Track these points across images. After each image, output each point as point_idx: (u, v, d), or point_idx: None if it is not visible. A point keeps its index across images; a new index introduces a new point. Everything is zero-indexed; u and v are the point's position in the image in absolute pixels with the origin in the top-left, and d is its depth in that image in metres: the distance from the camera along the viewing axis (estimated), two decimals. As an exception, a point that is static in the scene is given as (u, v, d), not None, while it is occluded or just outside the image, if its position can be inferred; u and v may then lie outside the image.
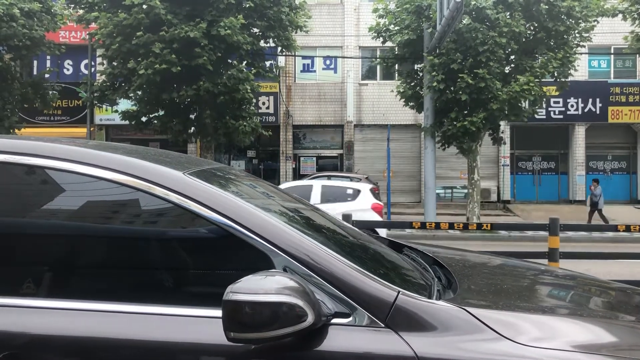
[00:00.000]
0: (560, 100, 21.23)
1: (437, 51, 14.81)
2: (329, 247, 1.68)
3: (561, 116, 21.48)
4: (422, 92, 15.97)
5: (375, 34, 16.47)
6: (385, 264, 2.08)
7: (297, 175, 21.90)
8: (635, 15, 16.16)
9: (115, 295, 1.61)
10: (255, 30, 15.33)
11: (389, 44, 16.77)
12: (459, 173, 21.41)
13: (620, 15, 16.18)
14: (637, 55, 18.19)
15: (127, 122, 15.58)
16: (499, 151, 21.62)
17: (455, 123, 14.87)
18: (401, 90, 16.44)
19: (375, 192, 18.55)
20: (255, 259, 1.60)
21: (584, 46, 16.29)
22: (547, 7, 14.63)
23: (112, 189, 1.69)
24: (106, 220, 1.76)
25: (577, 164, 21.67)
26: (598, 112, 21.40)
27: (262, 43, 15.74)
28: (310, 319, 1.41)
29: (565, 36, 15.44)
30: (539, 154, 22.37)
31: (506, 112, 15.02)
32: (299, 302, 1.40)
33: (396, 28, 16.06)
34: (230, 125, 14.76)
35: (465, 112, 14.96)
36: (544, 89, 17.31)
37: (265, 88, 21.37)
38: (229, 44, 13.57)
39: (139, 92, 14.26)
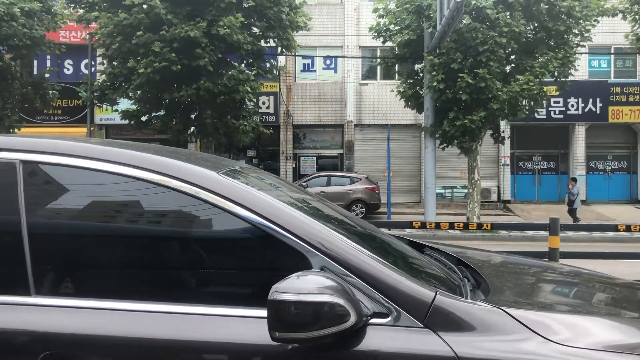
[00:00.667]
0: (561, 100, 21.22)
1: (438, 51, 14.79)
2: (363, 247, 1.69)
3: (561, 116, 21.47)
4: (422, 92, 15.96)
5: (376, 34, 16.46)
6: (416, 264, 2.09)
7: (297, 175, 21.90)
8: (636, 16, 16.14)
9: (156, 295, 1.62)
10: (256, 30, 15.33)
11: (389, 43, 16.75)
12: (460, 173, 21.40)
13: (620, 15, 16.15)
14: (638, 55, 18.16)
15: (127, 121, 15.57)
16: (499, 151, 21.61)
17: (455, 123, 14.85)
18: (401, 90, 16.43)
19: (375, 193, 18.62)
20: (292, 259, 1.61)
21: (584, 46, 16.26)
22: (547, 6, 14.61)
23: (148, 189, 1.71)
24: (144, 221, 1.77)
25: (578, 164, 21.66)
26: (598, 111, 21.40)
27: (262, 43, 15.72)
28: (352, 319, 1.42)
29: (565, 36, 15.42)
30: (539, 153, 22.36)
31: (506, 111, 15.01)
32: (342, 302, 1.41)
33: (396, 28, 16.05)
34: (231, 125, 14.76)
35: (465, 111, 14.94)
36: (544, 88, 17.34)
37: (266, 88, 21.35)
38: (229, 44, 13.57)
39: (139, 92, 14.26)
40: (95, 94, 15.44)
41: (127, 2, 12.59)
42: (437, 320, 1.52)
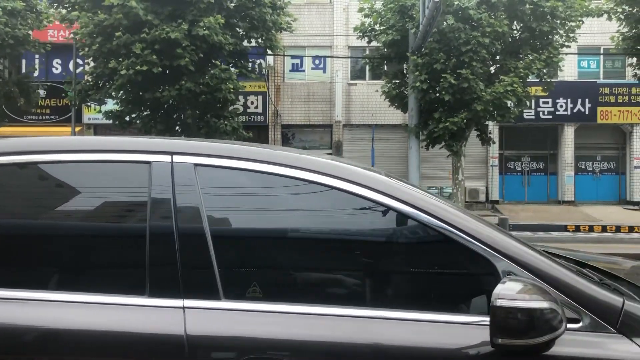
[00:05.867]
0: (550, 100, 21.20)
1: (421, 51, 14.77)
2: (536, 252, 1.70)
3: (550, 116, 21.44)
4: (406, 92, 15.94)
5: (361, 34, 16.45)
6: (576, 271, 2.10)
7: (286, 174, 21.87)
8: (621, 16, 16.11)
9: (339, 299, 1.65)
10: (239, 30, 15.31)
11: (375, 43, 16.75)
12: (448, 173, 21.36)
13: (606, 16, 16.10)
14: (626, 56, 18.12)
15: (110, 121, 15.56)
16: (487, 151, 21.58)
17: (439, 124, 14.84)
18: (385, 90, 16.42)
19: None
20: (479, 265, 1.62)
21: (569, 46, 16.24)
22: (531, 7, 14.59)
23: (334, 195, 1.71)
24: (324, 226, 1.80)
25: (566, 165, 21.64)
26: (587, 112, 21.37)
27: (246, 43, 15.70)
28: (565, 325, 1.43)
29: (550, 36, 15.41)
30: (528, 154, 22.33)
31: (492, 112, 14.97)
32: (557, 309, 1.42)
33: (381, 28, 16.04)
34: (212, 125, 14.75)
35: (450, 113, 14.91)
36: (532, 89, 17.30)
37: (254, 88, 21.36)
38: (210, 44, 13.55)
39: (121, 92, 14.24)
40: (80, 93, 15.42)
41: (106, 3, 12.57)
42: (629, 325, 1.52)
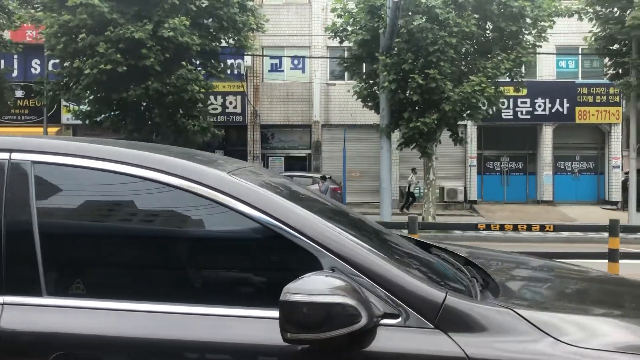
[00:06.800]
0: (528, 100, 21.24)
1: (391, 51, 14.78)
2: (373, 247, 1.69)
3: (528, 116, 21.48)
4: (378, 93, 15.96)
5: (333, 34, 16.46)
6: (424, 265, 2.08)
7: (266, 175, 21.89)
8: (592, 16, 16.13)
9: (163, 296, 1.63)
10: (211, 30, 15.31)
11: (347, 44, 16.75)
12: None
13: (578, 16, 16.12)
14: (599, 56, 18.15)
15: (81, 121, 15.59)
16: (466, 151, 21.61)
17: (409, 125, 14.85)
18: (357, 90, 16.43)
19: (337, 193, 18.63)
20: (302, 259, 1.61)
21: (540, 46, 16.25)
22: (499, 7, 14.61)
23: (158, 189, 1.71)
24: (152, 221, 1.79)
25: (545, 164, 21.67)
26: (565, 112, 21.40)
27: (217, 43, 15.71)
28: (363, 319, 1.42)
29: (520, 36, 15.43)
30: (507, 154, 22.37)
31: (462, 112, 14.97)
32: (353, 303, 1.41)
33: (352, 28, 16.04)
34: (180, 125, 14.77)
35: (420, 113, 14.91)
36: (509, 89, 17.30)
37: (232, 88, 21.39)
38: (177, 45, 13.56)
39: (89, 92, 14.26)
40: (49, 94, 15.44)
41: (69, 3, 12.58)
42: (448, 321, 1.52)
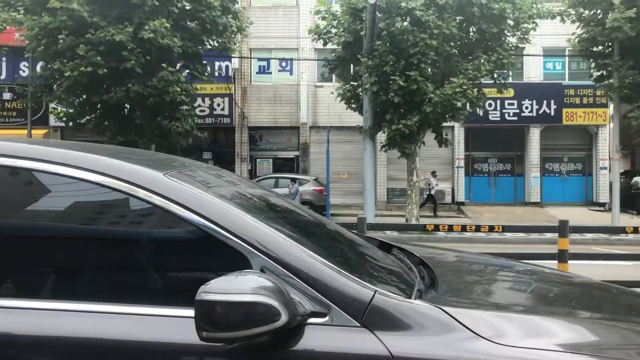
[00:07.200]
0: (515, 102, 21.28)
1: (372, 53, 14.82)
2: (309, 247, 1.69)
3: (516, 118, 21.50)
4: (360, 94, 16.01)
5: (316, 36, 16.51)
6: (366, 263, 2.09)
7: (254, 177, 21.92)
8: (574, 18, 16.17)
9: (92, 296, 1.62)
10: (194, 33, 15.34)
11: (331, 46, 16.81)
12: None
13: (560, 18, 16.14)
14: (585, 58, 18.16)
15: (64, 124, 15.62)
16: (453, 153, 21.64)
17: (391, 126, 14.89)
18: (341, 92, 16.48)
19: (322, 194, 18.67)
20: (233, 260, 1.60)
21: (524, 48, 16.29)
22: (480, 9, 14.64)
23: (92, 190, 1.70)
24: (85, 222, 1.77)
25: (532, 166, 21.69)
26: (552, 114, 21.43)
27: (201, 46, 15.74)
28: (283, 318, 1.42)
29: (502, 38, 15.46)
30: (495, 155, 22.39)
31: (443, 114, 14.99)
32: (271, 302, 1.41)
33: (336, 30, 16.09)
34: (164, 127, 14.80)
35: (402, 115, 14.94)
36: (492, 90, 17.36)
37: (220, 90, 21.43)
38: (158, 47, 13.60)
39: (70, 94, 14.29)
40: (32, 96, 15.48)
41: (49, 5, 12.63)
42: (374, 319, 1.52)
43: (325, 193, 18.72)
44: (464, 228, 5.61)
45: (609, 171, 21.63)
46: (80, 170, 1.70)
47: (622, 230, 6.95)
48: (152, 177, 1.72)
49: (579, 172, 22.27)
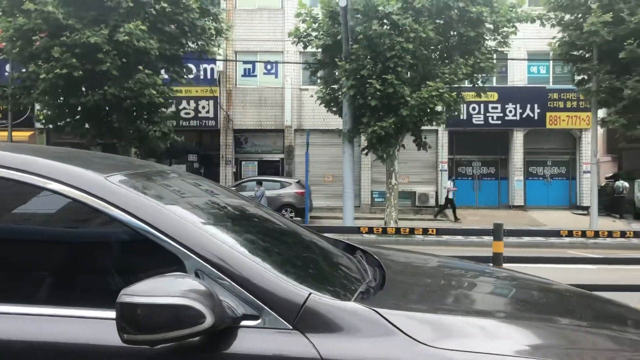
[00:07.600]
0: (499, 105, 21.33)
1: (350, 57, 14.86)
2: (247, 248, 1.69)
3: (499, 122, 21.55)
4: (340, 98, 16.05)
5: (296, 39, 16.54)
6: (311, 265, 2.06)
7: (239, 179, 21.93)
8: (554, 22, 16.23)
9: (15, 297, 1.61)
10: (173, 35, 15.36)
11: (311, 49, 16.85)
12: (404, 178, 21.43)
13: (540, 22, 16.18)
14: (565, 62, 18.22)
15: (43, 126, 15.63)
16: (437, 156, 21.68)
17: (368, 129, 14.92)
18: (320, 95, 16.52)
19: (304, 197, 18.68)
20: (167, 262, 1.60)
21: (503, 52, 16.34)
22: (457, 13, 14.69)
23: (29, 192, 1.71)
24: (13, 222, 1.76)
25: (516, 169, 21.73)
26: (536, 117, 21.48)
27: (180, 48, 15.76)
28: (208, 320, 1.40)
29: (480, 41, 15.49)
30: (479, 159, 22.43)
31: (421, 117, 15.03)
32: (194, 304, 1.39)
33: (316, 33, 16.13)
34: (142, 130, 14.82)
35: (378, 118, 14.97)
36: (472, 94, 17.38)
37: (205, 92, 21.47)
38: (135, 49, 13.62)
39: (47, 97, 14.30)
40: (11, 98, 15.49)
41: (25, 7, 12.66)
42: (307, 321, 1.51)
43: (303, 195, 18.72)
44: (384, 230, 5.61)
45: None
46: (12, 170, 1.70)
47: (557, 233, 7.07)
48: (91, 179, 1.71)
49: (562, 176, 22.32)
